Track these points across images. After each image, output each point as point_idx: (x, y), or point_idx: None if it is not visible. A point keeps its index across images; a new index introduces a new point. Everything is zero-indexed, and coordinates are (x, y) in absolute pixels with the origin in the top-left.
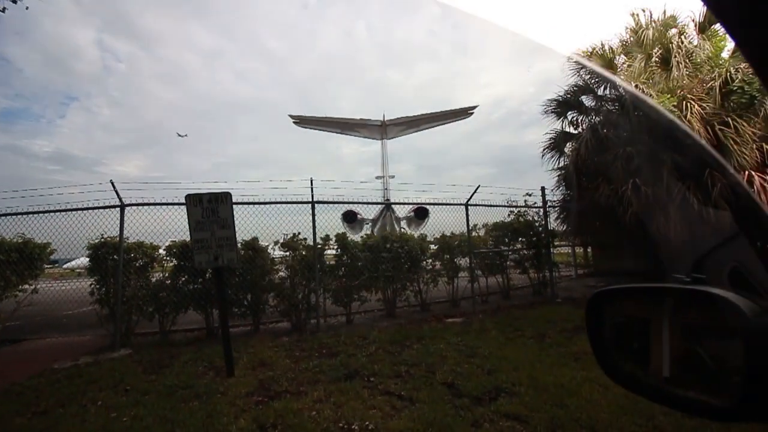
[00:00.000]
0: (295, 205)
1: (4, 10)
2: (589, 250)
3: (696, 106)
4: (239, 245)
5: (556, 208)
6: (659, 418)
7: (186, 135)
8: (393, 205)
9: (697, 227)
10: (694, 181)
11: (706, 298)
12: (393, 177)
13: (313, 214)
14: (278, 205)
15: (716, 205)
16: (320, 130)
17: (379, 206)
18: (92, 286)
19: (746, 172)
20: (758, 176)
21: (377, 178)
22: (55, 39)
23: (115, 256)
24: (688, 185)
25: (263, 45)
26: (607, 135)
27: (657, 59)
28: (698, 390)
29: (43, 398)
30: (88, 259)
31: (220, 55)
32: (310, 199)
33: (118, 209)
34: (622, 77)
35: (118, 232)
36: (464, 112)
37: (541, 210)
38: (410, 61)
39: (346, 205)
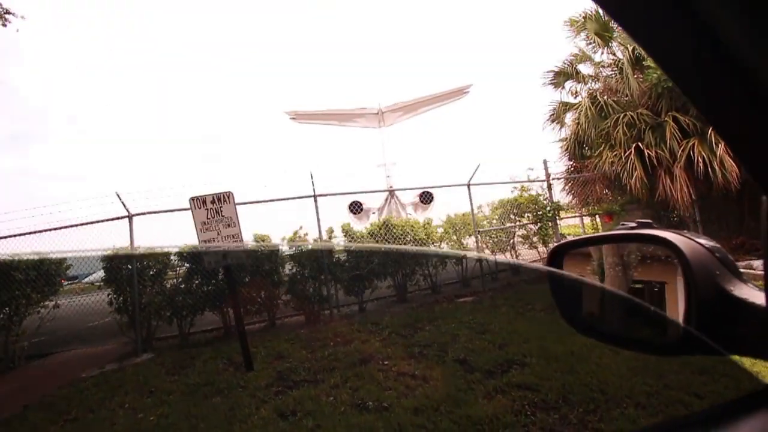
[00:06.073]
0: (301, 200)
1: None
2: (597, 218)
3: None
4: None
5: (560, 180)
6: (669, 377)
7: None
8: (397, 192)
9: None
10: (698, 138)
11: (651, 241)
12: (395, 164)
13: (317, 208)
14: (286, 201)
15: (722, 162)
16: (317, 124)
17: (384, 194)
18: (109, 296)
19: None
20: None
21: (378, 166)
22: None
23: (128, 266)
24: (692, 143)
25: (259, 35)
26: (607, 102)
27: None
28: (644, 330)
29: (74, 406)
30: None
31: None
32: (312, 193)
33: (126, 220)
34: (618, 42)
35: (129, 242)
36: (460, 92)
37: (545, 183)
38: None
39: (350, 196)
